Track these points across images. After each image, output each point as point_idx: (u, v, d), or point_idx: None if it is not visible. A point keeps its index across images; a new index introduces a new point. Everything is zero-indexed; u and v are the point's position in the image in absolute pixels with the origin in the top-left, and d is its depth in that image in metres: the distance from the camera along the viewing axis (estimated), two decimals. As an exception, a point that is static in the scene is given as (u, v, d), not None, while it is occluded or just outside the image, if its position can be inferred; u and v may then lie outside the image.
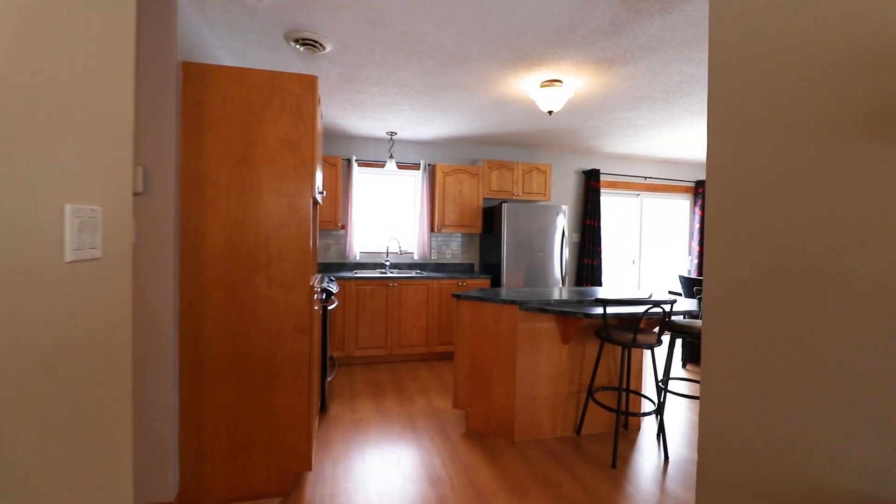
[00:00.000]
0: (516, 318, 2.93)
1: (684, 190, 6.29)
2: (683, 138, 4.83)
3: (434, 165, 5.08)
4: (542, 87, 3.12)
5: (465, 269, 5.43)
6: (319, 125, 2.52)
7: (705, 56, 2.69)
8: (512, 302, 2.93)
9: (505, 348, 2.98)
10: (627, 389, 2.81)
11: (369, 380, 4.07)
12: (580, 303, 2.99)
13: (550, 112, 3.16)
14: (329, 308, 3.31)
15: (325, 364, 3.27)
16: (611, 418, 3.12)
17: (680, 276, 4.63)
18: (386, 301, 4.54)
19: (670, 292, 5.25)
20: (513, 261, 4.74)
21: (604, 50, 2.68)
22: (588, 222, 5.65)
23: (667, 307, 2.76)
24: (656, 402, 3.02)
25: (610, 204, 6.07)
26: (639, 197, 6.17)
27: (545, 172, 5.24)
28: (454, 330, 3.24)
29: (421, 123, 4.41)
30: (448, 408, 3.45)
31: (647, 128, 4.43)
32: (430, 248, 5.24)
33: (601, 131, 4.60)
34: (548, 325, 3.02)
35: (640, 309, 2.83)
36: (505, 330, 2.98)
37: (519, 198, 5.18)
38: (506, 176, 5.13)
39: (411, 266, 5.25)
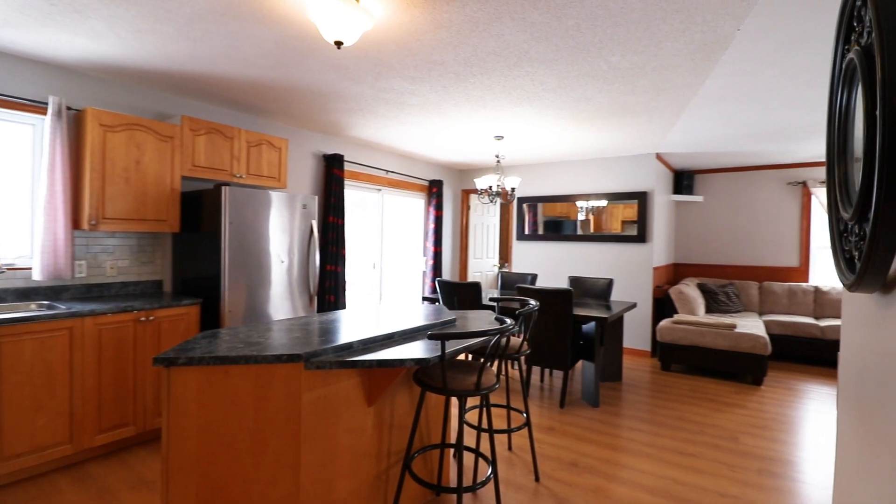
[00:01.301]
0: (299, 383, 1.66)
1: (420, 189, 6.04)
2: (436, 130, 4.38)
3: (82, 110, 2.85)
4: (324, -5, 1.83)
5: (146, 293, 3.37)
6: None
7: (545, 20, 2.09)
8: (292, 358, 1.63)
9: (278, 441, 1.67)
10: (460, 446, 1.94)
11: None
12: (390, 338, 1.95)
13: (339, 44, 1.91)
14: None
15: None
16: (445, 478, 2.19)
17: (439, 281, 4.17)
18: (-46, 377, 2.14)
19: (425, 298, 4.82)
20: (238, 274, 3.14)
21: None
22: (331, 219, 4.54)
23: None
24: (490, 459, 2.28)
25: (353, 198, 5.15)
26: (381, 192, 5.50)
27: (280, 150, 3.80)
28: (164, 425, 1.66)
29: (50, 21, 2.24)
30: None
31: (412, 110, 3.70)
32: (71, 258, 2.98)
33: (362, 104, 3.58)
34: (347, 384, 1.86)
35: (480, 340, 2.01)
36: (278, 408, 1.68)
37: (242, 181, 3.56)
38: (221, 147, 3.41)
39: (26, 294, 2.81)
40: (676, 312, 5.17)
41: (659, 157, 5.36)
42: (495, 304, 3.34)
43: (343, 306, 4.65)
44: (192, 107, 3.60)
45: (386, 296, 5.67)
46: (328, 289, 4.51)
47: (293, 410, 1.66)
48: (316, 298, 3.72)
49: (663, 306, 5.44)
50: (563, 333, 3.61)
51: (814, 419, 3.48)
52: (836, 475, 1.08)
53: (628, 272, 5.42)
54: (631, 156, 5.41)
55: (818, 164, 5.49)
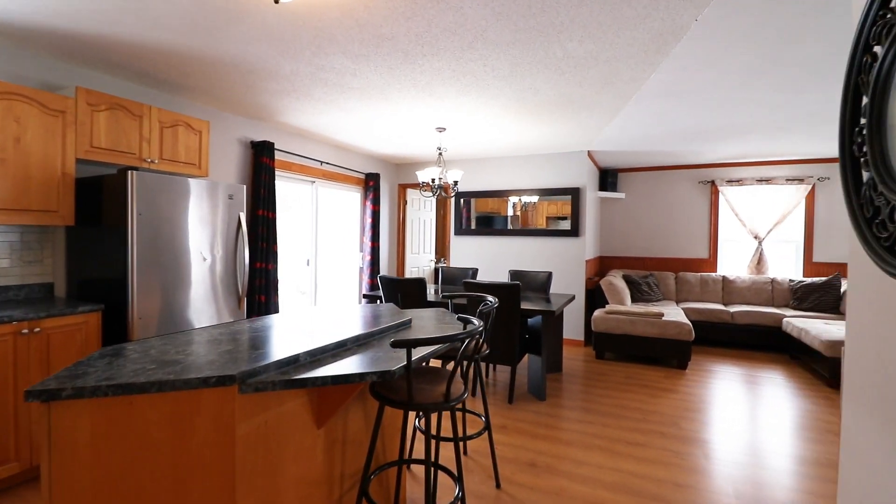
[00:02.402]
0: (232, 411, 1.36)
1: (356, 182, 5.74)
2: (376, 117, 4.16)
3: (-69, 70, 2.27)
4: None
5: (32, 299, 2.80)
6: None
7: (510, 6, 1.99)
8: (223, 381, 1.34)
9: (205, 486, 1.37)
10: (436, 464, 1.79)
11: None
12: (342, 347, 1.73)
13: None
14: None
15: None
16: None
17: (381, 277, 3.97)
18: None
19: (365, 296, 4.56)
20: (150, 275, 2.70)
21: None
22: (261, 213, 4.13)
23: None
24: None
25: (284, 191, 4.74)
26: (314, 185, 5.13)
27: (200, 134, 3.36)
28: (44, 478, 1.29)
29: None
30: None
31: (352, 94, 3.46)
32: (-73, 257, 2.38)
33: (297, 85, 3.26)
34: (293, 406, 1.60)
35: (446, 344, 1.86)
36: (206, 446, 1.36)
37: (155, 167, 3.08)
38: (128, 127, 2.91)
39: None
40: (607, 303, 5.42)
41: (590, 154, 5.57)
42: (448, 300, 3.20)
43: (275, 307, 4.26)
44: (92, 78, 3.05)
45: (322, 294, 5.32)
46: (258, 288, 4.10)
47: (225, 447, 1.35)
48: (245, 300, 3.34)
49: (595, 297, 5.68)
50: (512, 328, 3.59)
51: (738, 399, 3.80)
52: (843, 474, 1.07)
53: (563, 265, 5.58)
54: (565, 153, 5.57)
55: (725, 164, 6.06)
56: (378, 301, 4.36)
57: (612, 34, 2.42)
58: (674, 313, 4.95)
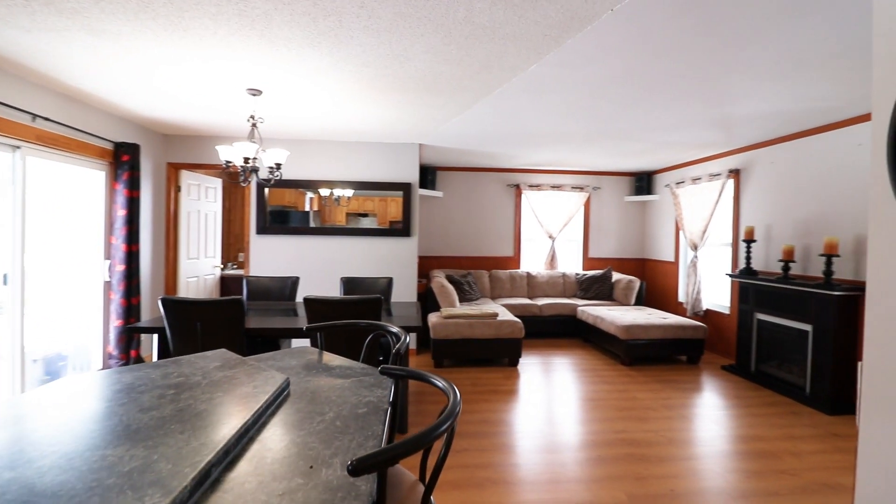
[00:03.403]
0: None
1: (100, 154, 3.84)
2: (160, 61, 2.75)
3: None
4: None
5: None
6: None
7: None
8: None
9: None
10: None
11: None
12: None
13: None
14: None
15: None
16: None
17: (166, 300, 2.63)
18: None
19: (130, 329, 2.97)
20: None
21: None
22: None
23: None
24: None
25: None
26: (18, 152, 3.13)
27: None
28: None
29: None
30: None
31: (117, 7, 2.08)
32: None
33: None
34: None
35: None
36: None
37: None
38: None
39: None
40: (439, 307, 5.17)
41: (420, 148, 5.20)
42: (317, 332, 2.07)
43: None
44: None
45: (32, 332, 3.33)
46: None
47: None
48: None
49: (426, 301, 5.37)
50: (374, 351, 2.85)
51: (581, 388, 4.01)
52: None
53: (394, 269, 5.05)
54: (397, 143, 5.04)
55: (528, 170, 6.61)
56: (158, 336, 2.89)
57: (529, 3, 2.00)
58: (502, 312, 5.04)
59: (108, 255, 4.06)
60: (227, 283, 5.89)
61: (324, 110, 3.75)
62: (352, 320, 2.34)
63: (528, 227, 6.73)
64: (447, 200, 6.56)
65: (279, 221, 5.02)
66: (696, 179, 5.50)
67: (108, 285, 4.06)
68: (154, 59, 2.69)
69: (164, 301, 2.62)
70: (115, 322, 3.97)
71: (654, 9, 2.04)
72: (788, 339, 4.04)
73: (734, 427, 3.29)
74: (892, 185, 1.02)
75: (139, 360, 4.21)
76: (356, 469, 0.74)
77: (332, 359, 1.74)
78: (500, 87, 3.10)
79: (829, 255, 3.61)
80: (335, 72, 2.87)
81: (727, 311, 5.12)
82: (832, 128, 3.84)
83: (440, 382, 1.13)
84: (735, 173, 4.98)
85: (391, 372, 1.20)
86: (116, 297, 3.99)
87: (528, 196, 6.57)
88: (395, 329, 1.72)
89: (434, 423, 0.91)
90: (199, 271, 5.35)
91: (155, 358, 3.00)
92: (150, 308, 4.46)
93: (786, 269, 4.09)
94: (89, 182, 3.92)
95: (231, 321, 2.70)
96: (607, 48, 2.46)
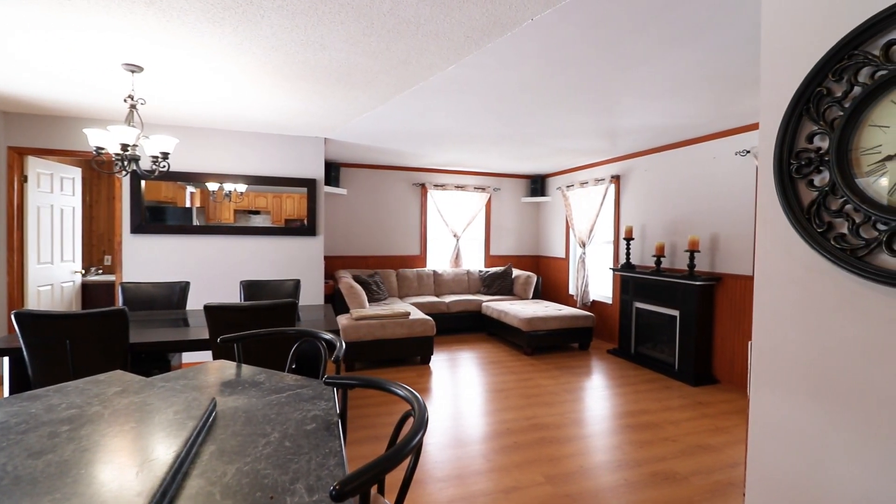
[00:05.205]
0: None
1: None
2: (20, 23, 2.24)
3: None
4: None
5: None
6: None
7: None
8: None
9: None
10: None
11: None
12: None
13: None
14: None
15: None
16: None
17: (20, 314, 2.15)
18: None
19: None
20: None
21: None
22: None
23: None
24: None
25: None
26: None
27: None
28: None
29: None
30: None
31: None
32: None
33: None
34: None
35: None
36: None
37: None
38: None
39: None
40: (347, 308, 4.99)
41: (326, 143, 4.95)
42: (234, 343, 1.80)
43: None
44: None
45: None
46: None
47: None
48: None
49: (333, 303, 5.14)
50: (285, 358, 2.64)
51: (491, 380, 4.16)
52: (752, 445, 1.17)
53: (299, 269, 4.75)
54: (300, 136, 4.73)
55: (434, 170, 6.68)
56: (10, 360, 2.34)
57: (456, 3, 2.02)
58: (413, 311, 5.04)
59: (-82, 261, 3.18)
60: (91, 291, 5.00)
61: (220, 95, 3.38)
62: (279, 328, 2.14)
63: (434, 225, 6.82)
64: (352, 198, 6.36)
65: (157, 219, 4.40)
66: (583, 183, 6.07)
67: (-82, 299, 3.18)
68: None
69: (19, 316, 2.13)
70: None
71: (568, 22, 2.19)
72: (661, 323, 4.67)
73: (623, 403, 3.70)
74: (779, 195, 1.22)
75: (-31, 390, 3.37)
76: (341, 493, 0.68)
77: (255, 372, 1.57)
78: (417, 84, 3.08)
79: (692, 251, 4.24)
80: (238, 54, 2.59)
81: (610, 302, 5.74)
82: (694, 142, 4.53)
83: (400, 391, 1.08)
84: (616, 179, 5.60)
85: (338, 382, 1.12)
86: (-67, 314, 3.15)
87: (433, 195, 6.65)
88: (327, 336, 1.61)
89: (408, 435, 0.87)
90: (55, 278, 4.47)
91: (6, 387, 2.43)
92: (-16, 325, 3.61)
93: (658, 263, 4.72)
94: None
95: (112, 336, 2.29)
96: (523, 55, 2.59)
